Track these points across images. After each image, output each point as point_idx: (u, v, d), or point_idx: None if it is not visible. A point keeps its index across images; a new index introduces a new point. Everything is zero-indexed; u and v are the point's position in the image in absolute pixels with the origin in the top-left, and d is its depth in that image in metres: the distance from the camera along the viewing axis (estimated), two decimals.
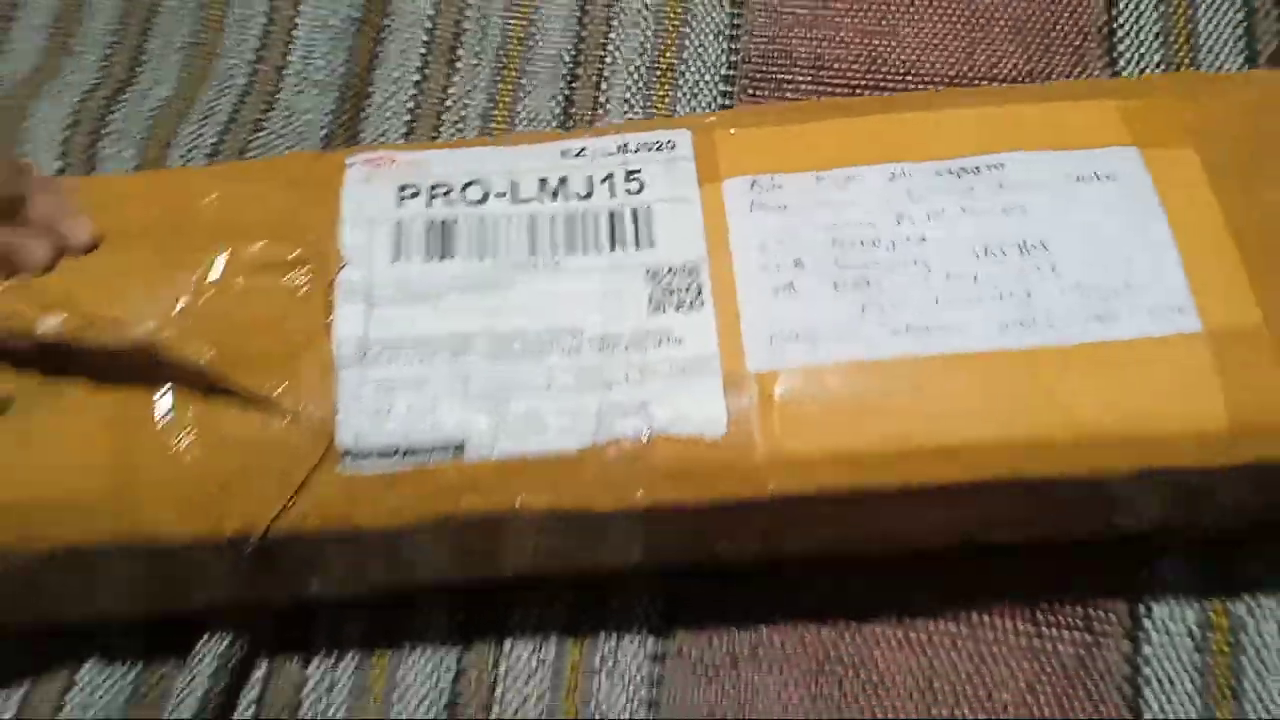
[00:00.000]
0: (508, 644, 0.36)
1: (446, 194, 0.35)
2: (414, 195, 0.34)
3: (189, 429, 0.31)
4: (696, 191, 0.34)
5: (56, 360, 0.31)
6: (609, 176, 0.35)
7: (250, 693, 0.36)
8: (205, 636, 0.35)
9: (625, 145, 0.36)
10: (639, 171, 0.35)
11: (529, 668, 0.35)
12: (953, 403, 0.31)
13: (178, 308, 0.32)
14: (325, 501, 0.30)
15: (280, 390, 0.31)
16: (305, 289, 0.33)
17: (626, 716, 0.34)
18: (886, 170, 0.34)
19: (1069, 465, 0.30)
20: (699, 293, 0.32)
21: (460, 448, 0.31)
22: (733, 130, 0.36)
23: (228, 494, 0.31)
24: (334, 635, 0.36)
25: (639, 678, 0.35)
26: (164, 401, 0.31)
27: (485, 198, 0.34)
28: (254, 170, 0.37)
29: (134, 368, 0.31)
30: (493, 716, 0.35)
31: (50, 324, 0.30)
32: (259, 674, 0.36)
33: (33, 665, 0.36)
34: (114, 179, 0.42)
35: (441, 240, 0.34)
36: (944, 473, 0.30)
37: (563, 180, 0.35)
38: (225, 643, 0.35)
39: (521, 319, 0.32)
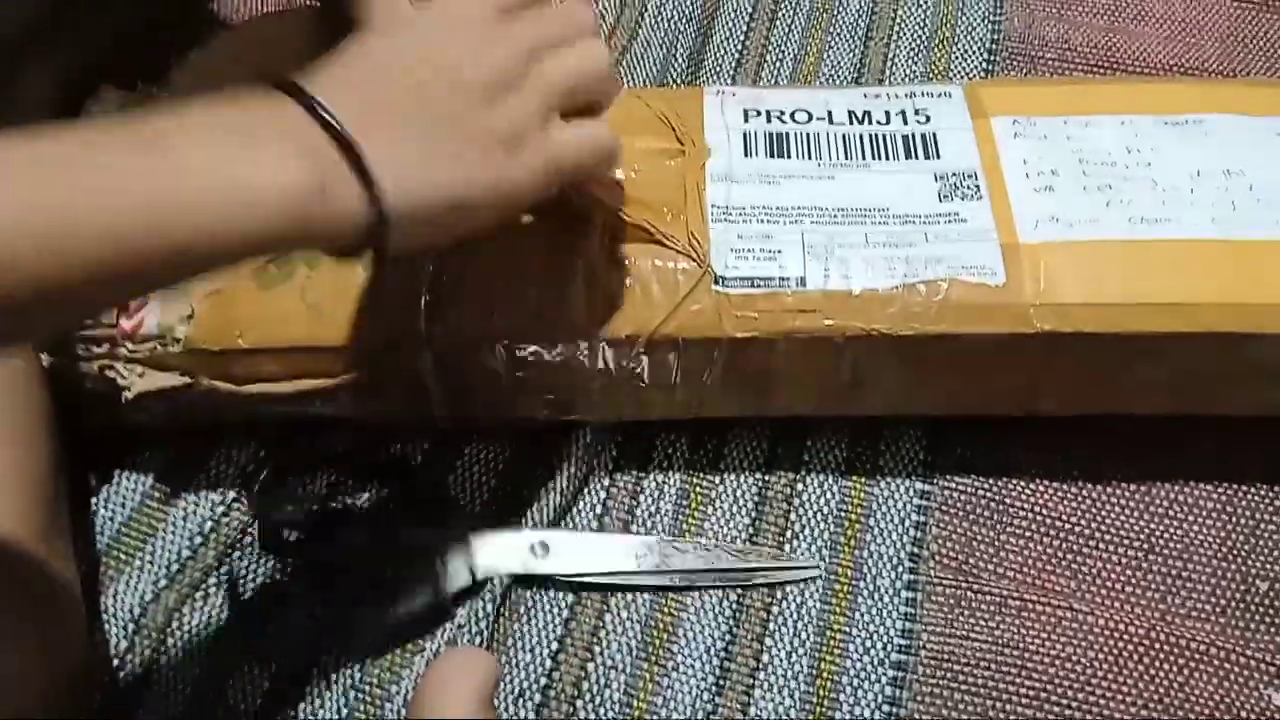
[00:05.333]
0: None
1: (780, 116, 0.46)
2: (757, 115, 0.46)
3: (604, 260, 0.42)
4: (970, 124, 0.46)
5: None
6: (901, 111, 0.46)
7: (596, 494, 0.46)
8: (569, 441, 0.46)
9: (912, 94, 0.47)
10: (925, 109, 0.46)
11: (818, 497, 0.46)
12: (1172, 272, 0.41)
13: None
14: (701, 312, 0.41)
15: (673, 232, 0.42)
16: (685, 169, 0.44)
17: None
18: (1116, 119, 0.46)
19: (1260, 325, 0.40)
20: (977, 189, 0.43)
21: (802, 281, 0.42)
22: (994, 88, 0.47)
23: (630, 303, 0.42)
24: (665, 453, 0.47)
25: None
26: (590, 241, 0.43)
27: (809, 119, 0.46)
28: (642, 93, 0.49)
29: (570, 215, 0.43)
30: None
31: None
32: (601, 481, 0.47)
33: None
34: None
35: (779, 145, 0.45)
36: (1165, 323, 0.40)
37: (866, 113, 0.46)
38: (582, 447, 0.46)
39: (842, 199, 0.44)
